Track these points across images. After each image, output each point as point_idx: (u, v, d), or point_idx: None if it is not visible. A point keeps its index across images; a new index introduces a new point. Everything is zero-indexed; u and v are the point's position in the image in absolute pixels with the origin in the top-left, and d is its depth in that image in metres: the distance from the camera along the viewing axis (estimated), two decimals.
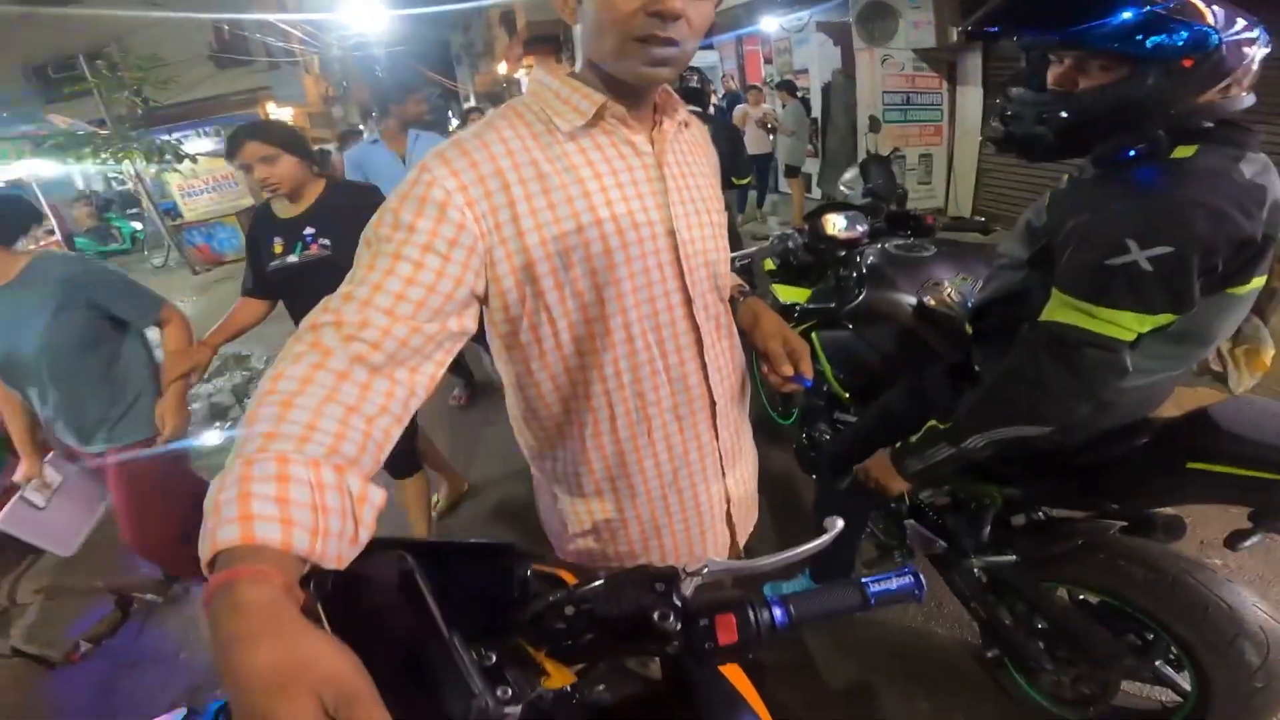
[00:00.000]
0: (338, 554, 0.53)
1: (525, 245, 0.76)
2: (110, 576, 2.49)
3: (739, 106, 6.42)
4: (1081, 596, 1.35)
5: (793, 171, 6.40)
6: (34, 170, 8.74)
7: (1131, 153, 0.99)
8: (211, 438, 3.56)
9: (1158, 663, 1.26)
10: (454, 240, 0.71)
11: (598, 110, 0.77)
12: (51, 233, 10.18)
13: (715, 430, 0.95)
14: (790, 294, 2.02)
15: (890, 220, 2.03)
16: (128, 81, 8.98)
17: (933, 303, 1.58)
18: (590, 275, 0.80)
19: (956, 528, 1.43)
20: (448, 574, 0.58)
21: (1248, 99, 0.96)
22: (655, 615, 0.56)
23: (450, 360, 0.76)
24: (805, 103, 6.58)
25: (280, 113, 14.71)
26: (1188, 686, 1.23)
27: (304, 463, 0.53)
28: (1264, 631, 1.09)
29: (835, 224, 1.95)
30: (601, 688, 0.75)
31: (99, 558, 2.38)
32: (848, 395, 1.74)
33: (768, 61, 8.02)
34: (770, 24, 6.96)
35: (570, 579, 0.72)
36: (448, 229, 0.71)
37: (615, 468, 0.92)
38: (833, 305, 1.81)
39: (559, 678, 0.63)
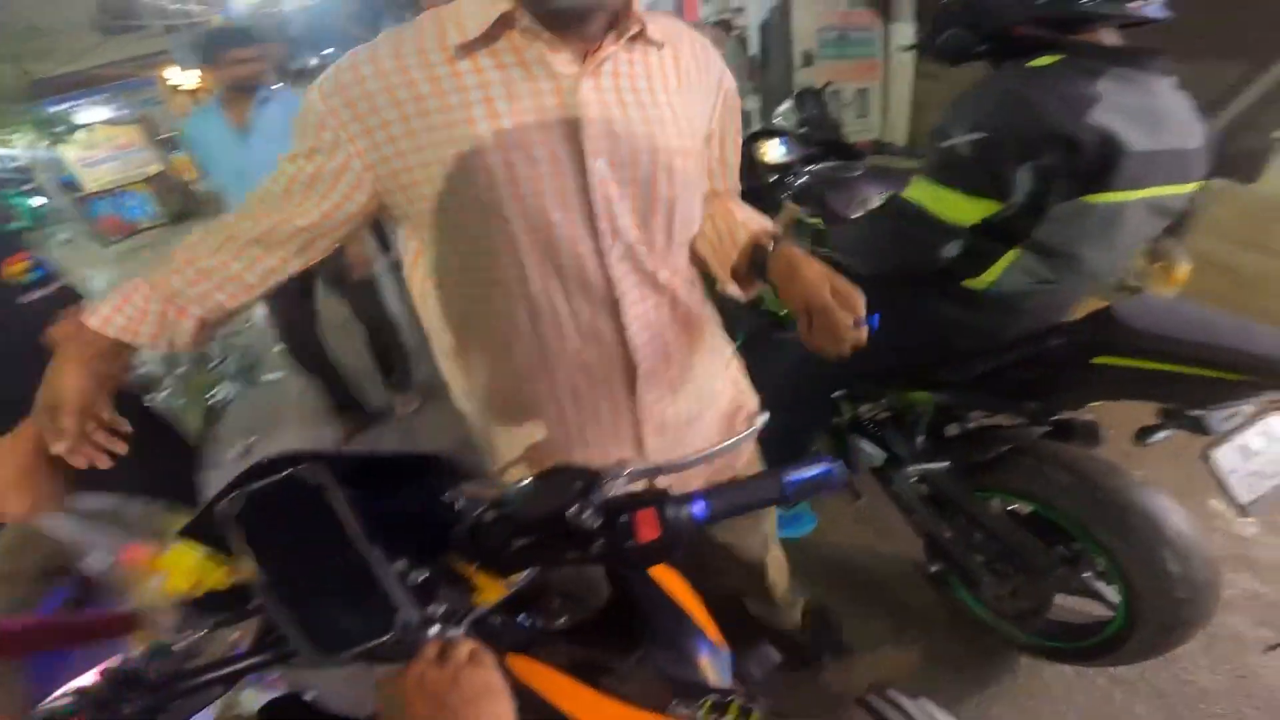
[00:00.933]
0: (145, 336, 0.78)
1: (396, 171, 0.73)
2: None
3: None
4: (1013, 508, 1.40)
5: None
6: None
7: (977, 51, 1.17)
8: None
9: (1086, 574, 1.30)
10: (323, 161, 0.74)
11: (500, 18, 0.68)
12: None
13: (634, 395, 0.89)
14: None
15: (822, 147, 2.03)
16: (4, 55, 8.26)
17: (860, 214, 1.60)
18: (476, 211, 0.74)
19: (894, 438, 1.48)
20: (377, 489, 0.58)
21: (1141, 8, 1.02)
22: (573, 511, 0.55)
23: (325, 254, 0.82)
24: (742, 40, 6.48)
25: (186, 77, 13.63)
26: (1116, 600, 1.26)
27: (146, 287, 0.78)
28: (1182, 538, 1.10)
29: (770, 149, 1.94)
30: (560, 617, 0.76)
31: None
32: (784, 313, 1.75)
33: (705, 0, 7.84)
34: None
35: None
36: (320, 149, 0.73)
37: (520, 409, 0.90)
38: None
39: (491, 591, 0.64)
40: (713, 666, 0.75)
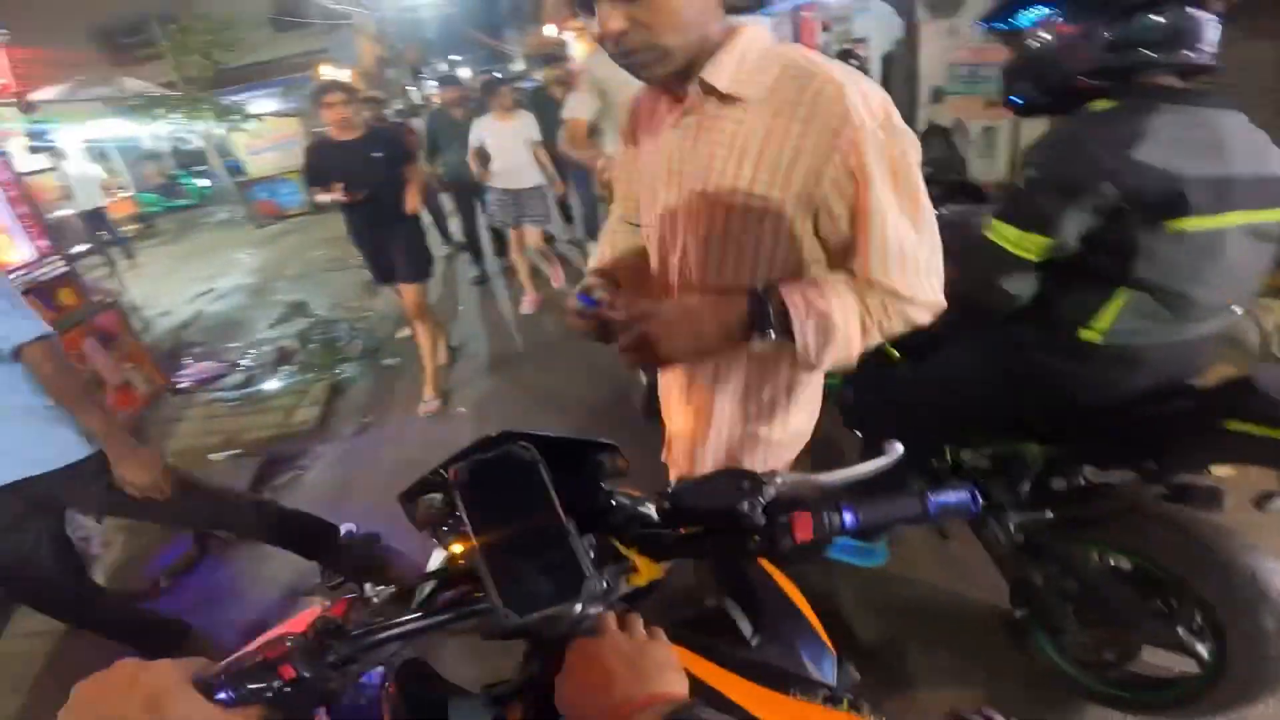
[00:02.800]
0: None
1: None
2: None
3: None
4: (1113, 561, 1.39)
5: None
6: (109, 131, 9.21)
7: (1021, 101, 1.29)
8: (273, 383, 3.82)
9: (1181, 629, 1.28)
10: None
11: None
12: (125, 189, 10.73)
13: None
14: None
15: (949, 188, 2.05)
16: (197, 45, 9.30)
17: None
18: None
19: (995, 486, 1.50)
20: (559, 466, 0.65)
21: (1193, 57, 1.09)
22: (744, 506, 0.61)
23: None
24: (864, 72, 6.37)
25: (338, 73, 15.00)
26: (1206, 656, 1.25)
27: None
28: None
29: None
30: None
31: None
32: (898, 354, 1.80)
33: (825, 29, 7.78)
34: None
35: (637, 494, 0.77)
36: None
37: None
38: None
39: (648, 573, 0.70)
40: (822, 665, 0.77)
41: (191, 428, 3.39)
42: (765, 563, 0.89)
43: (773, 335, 0.84)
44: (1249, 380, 1.11)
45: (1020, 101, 1.30)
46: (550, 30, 18.00)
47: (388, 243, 3.04)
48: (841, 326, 0.84)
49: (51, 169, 5.14)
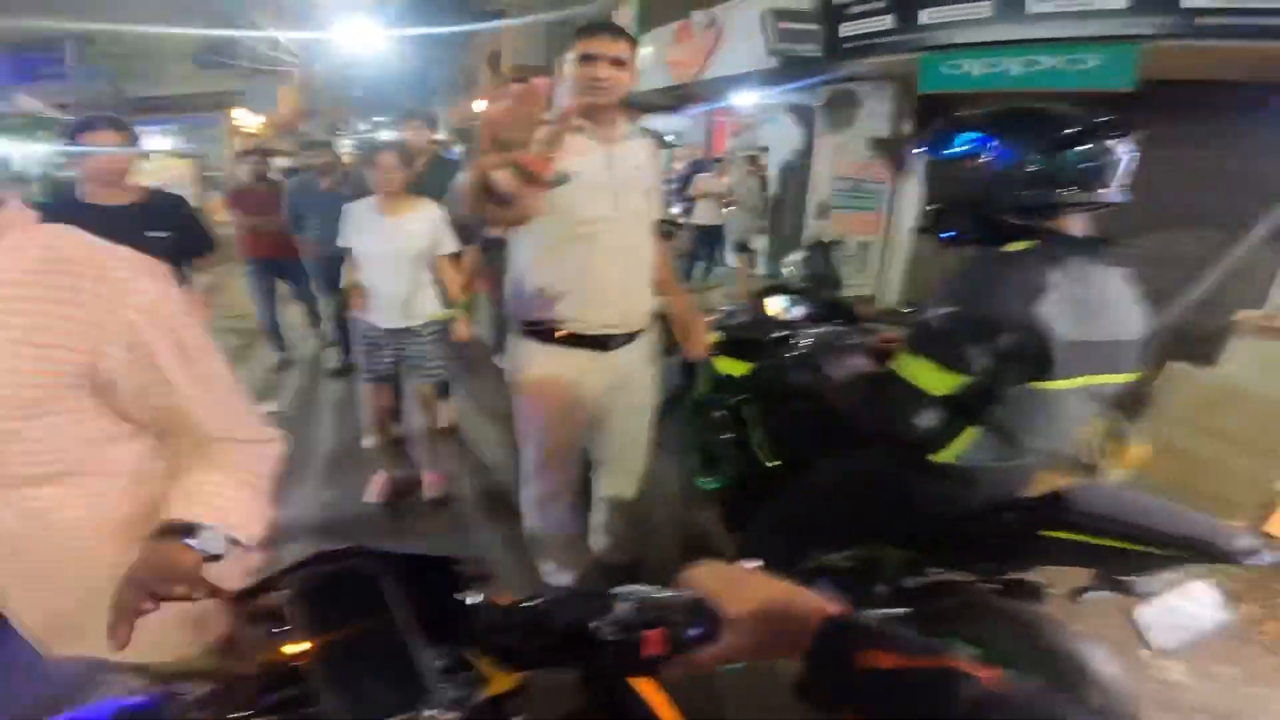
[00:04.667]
0: None
1: None
2: None
3: (699, 175, 6.65)
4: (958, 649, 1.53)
5: (742, 247, 6.54)
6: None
7: (948, 235, 1.33)
8: None
9: None
10: None
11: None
12: None
13: None
14: (731, 366, 2.18)
15: (828, 307, 2.25)
16: (105, 70, 8.73)
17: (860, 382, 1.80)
18: None
19: (857, 586, 1.60)
20: (405, 579, 0.67)
21: (1106, 195, 1.16)
22: (593, 625, 0.64)
23: None
24: (763, 180, 6.85)
25: (252, 120, 14.48)
26: None
27: None
28: (1105, 678, 1.26)
29: (780, 307, 2.16)
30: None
31: None
32: (777, 464, 1.92)
33: (733, 135, 8.45)
34: (748, 99, 7.31)
35: (506, 600, 0.78)
36: None
37: None
38: (771, 378, 1.99)
39: (500, 683, 0.71)
40: None
41: None
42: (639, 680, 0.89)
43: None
44: (1061, 495, 1.28)
45: (951, 235, 1.34)
46: (480, 105, 18.42)
47: None
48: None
49: None
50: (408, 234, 2.44)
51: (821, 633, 0.53)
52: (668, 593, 0.74)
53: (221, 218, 10.89)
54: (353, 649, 0.61)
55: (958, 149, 1.27)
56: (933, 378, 1.20)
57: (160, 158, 9.51)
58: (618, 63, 1.53)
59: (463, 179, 1.31)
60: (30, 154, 9.21)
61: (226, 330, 5.38)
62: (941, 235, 1.36)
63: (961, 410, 1.27)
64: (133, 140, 1.98)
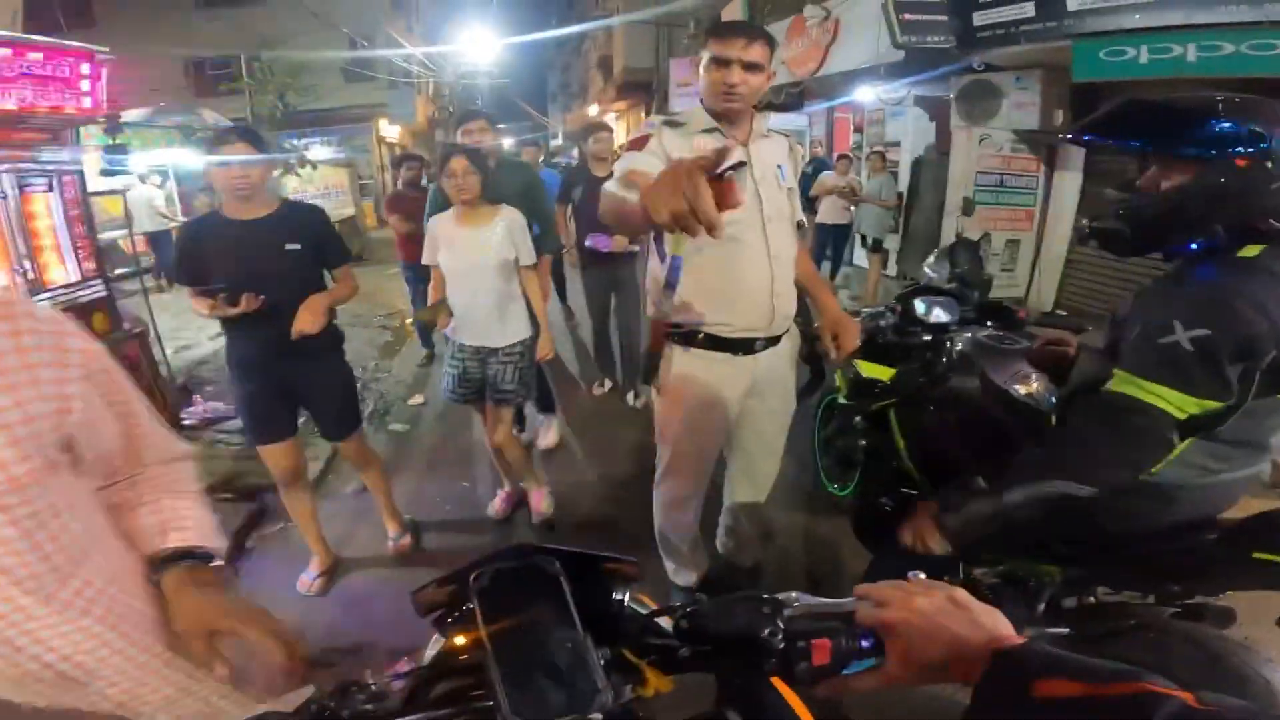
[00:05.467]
0: None
1: None
2: None
3: (824, 173, 6.35)
4: None
5: (876, 245, 6.18)
6: (176, 159, 9.65)
7: (1194, 245, 1.11)
8: None
9: None
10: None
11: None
12: (174, 218, 11.19)
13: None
14: (874, 370, 2.07)
15: (981, 310, 2.06)
16: (275, 86, 9.77)
17: (1022, 391, 1.61)
18: None
19: (1009, 603, 1.44)
20: (575, 578, 0.67)
21: None
22: (765, 633, 0.63)
23: None
24: (894, 176, 6.53)
25: (390, 130, 15.88)
26: None
27: None
28: None
29: (930, 309, 2.00)
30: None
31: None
32: (919, 474, 1.77)
33: (857, 130, 8.09)
34: (867, 94, 7.05)
35: (652, 604, 0.78)
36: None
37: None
38: (919, 384, 1.86)
39: (656, 684, 0.69)
40: None
41: None
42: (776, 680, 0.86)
43: None
44: (1275, 515, 1.15)
45: (1191, 248, 1.12)
46: (593, 110, 19.16)
47: (296, 381, 2.11)
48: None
49: (121, 191, 5.33)
50: (489, 245, 2.27)
51: (994, 664, 0.51)
52: (838, 603, 0.72)
53: (372, 222, 11.86)
54: (529, 645, 0.62)
55: (1207, 141, 1.06)
56: (1181, 403, 1.06)
57: (324, 167, 10.45)
58: (753, 67, 1.45)
59: (613, 200, 1.29)
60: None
61: (381, 327, 5.93)
62: (1170, 249, 1.17)
63: (1190, 426, 1.11)
64: (264, 152, 1.99)
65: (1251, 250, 1.05)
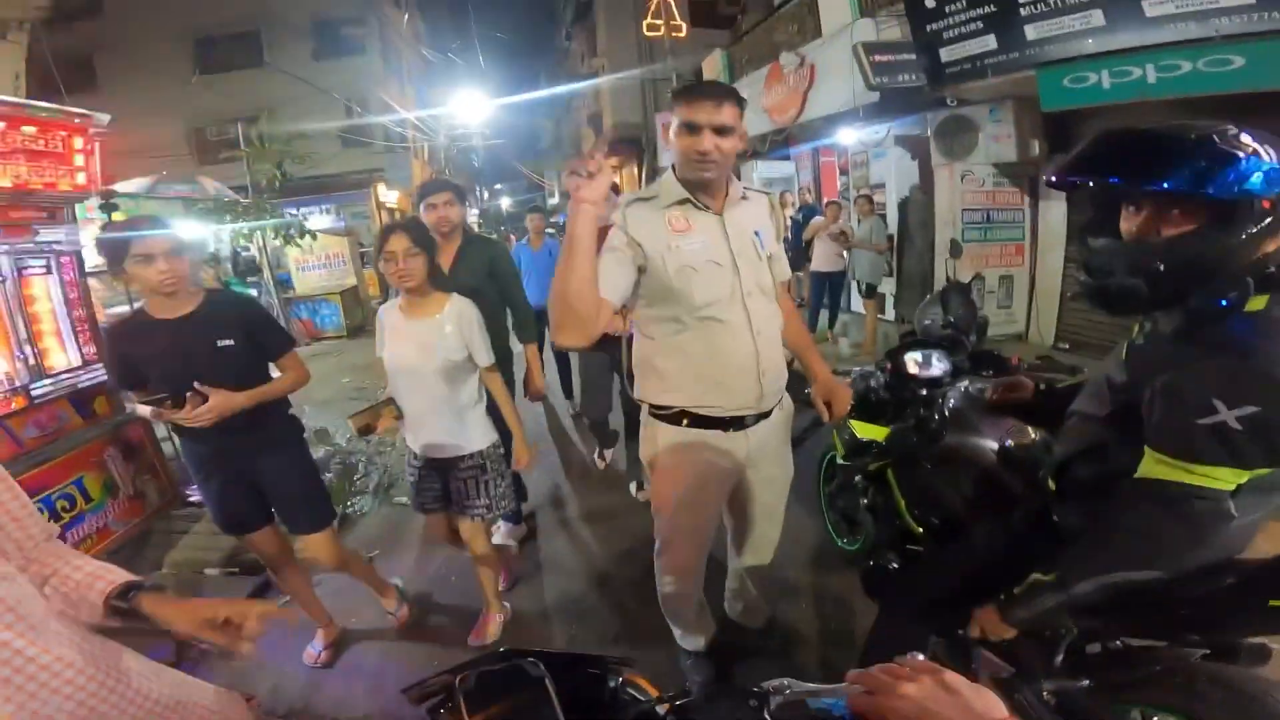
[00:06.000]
0: None
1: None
2: None
3: (815, 219, 6.38)
4: (1155, 718, 1.29)
5: (870, 291, 6.07)
6: (182, 231, 9.70)
7: (1224, 302, 0.99)
8: None
9: None
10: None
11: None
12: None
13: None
14: (869, 431, 2.05)
15: (973, 359, 2.04)
16: (273, 154, 9.96)
17: (1014, 447, 1.58)
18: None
19: (1026, 654, 1.39)
20: (559, 676, 0.68)
21: None
22: None
23: None
24: (883, 219, 6.52)
25: (389, 195, 16.27)
26: None
27: None
28: None
29: (917, 363, 1.98)
30: None
31: None
32: (921, 531, 1.73)
33: (843, 173, 8.24)
34: (848, 136, 7.19)
35: (653, 691, 0.80)
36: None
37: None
38: (913, 442, 1.83)
39: None
40: None
41: (194, 541, 3.31)
42: None
43: None
44: None
45: (1221, 304, 0.99)
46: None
47: (257, 477, 1.98)
48: None
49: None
50: (432, 343, 1.92)
51: None
52: (830, 689, 0.71)
53: (375, 291, 11.83)
54: None
55: (1229, 181, 0.93)
56: (1233, 476, 0.99)
57: (324, 236, 10.25)
58: (724, 130, 1.37)
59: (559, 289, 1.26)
60: (222, 236, 10.68)
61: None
62: (1205, 306, 1.01)
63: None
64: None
65: (1259, 302, 0.96)
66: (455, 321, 1.95)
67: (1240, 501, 1.02)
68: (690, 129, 1.38)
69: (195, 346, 1.79)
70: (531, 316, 2.80)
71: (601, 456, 3.94)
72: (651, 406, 1.62)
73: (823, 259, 6.13)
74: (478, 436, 2.06)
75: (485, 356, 2.02)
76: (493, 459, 2.10)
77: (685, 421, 1.56)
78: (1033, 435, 1.59)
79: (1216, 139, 0.96)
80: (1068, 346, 5.42)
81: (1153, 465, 1.04)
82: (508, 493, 2.19)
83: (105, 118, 3.17)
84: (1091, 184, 1.13)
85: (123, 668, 0.93)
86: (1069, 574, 1.17)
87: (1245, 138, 0.97)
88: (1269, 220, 0.95)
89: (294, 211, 10.07)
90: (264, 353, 1.92)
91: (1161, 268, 1.00)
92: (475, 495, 2.07)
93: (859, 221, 6.16)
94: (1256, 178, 0.92)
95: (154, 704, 0.94)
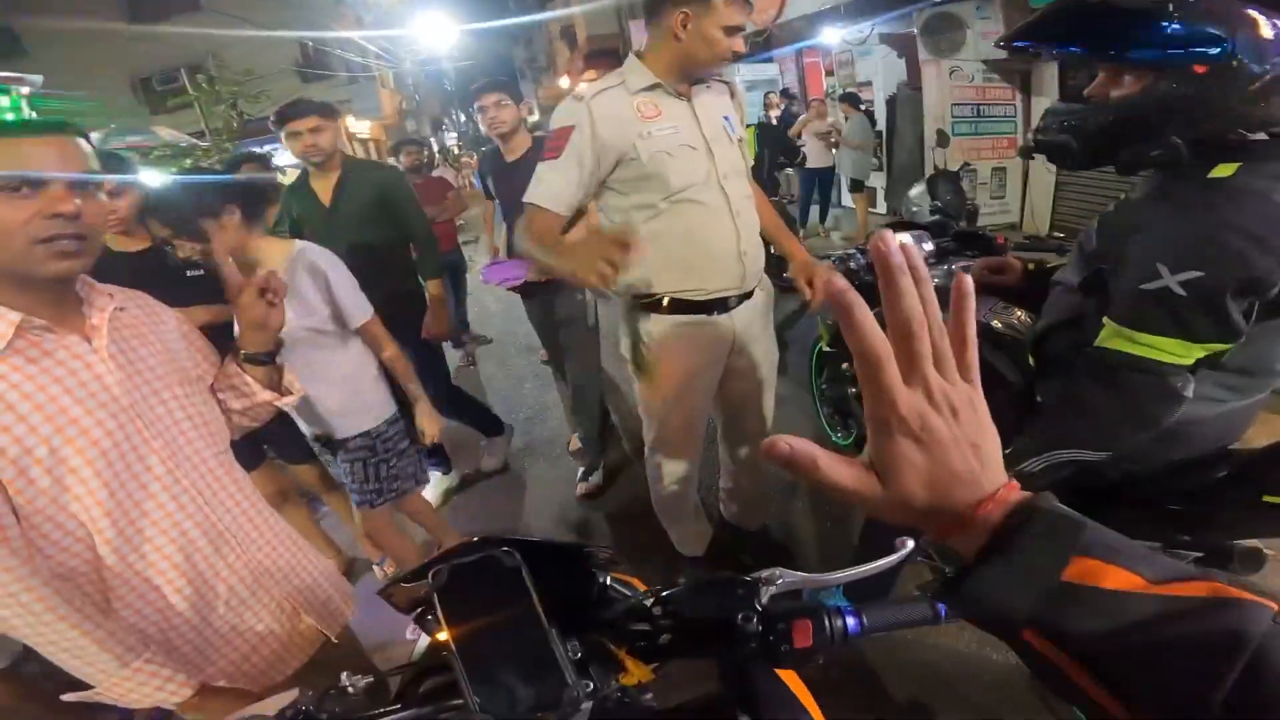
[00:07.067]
0: None
1: None
2: None
3: (801, 117, 6.29)
4: None
5: (858, 186, 6.19)
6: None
7: (1154, 154, 0.97)
8: None
9: None
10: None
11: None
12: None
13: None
14: None
15: (958, 239, 2.00)
16: (224, 95, 9.53)
17: (1000, 326, 1.56)
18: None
19: None
20: (542, 570, 0.64)
21: None
22: (739, 618, 0.61)
23: None
24: (870, 116, 6.39)
25: (359, 125, 15.54)
26: None
27: None
28: None
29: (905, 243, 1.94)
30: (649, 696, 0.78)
31: None
32: None
33: (829, 74, 7.92)
34: (832, 36, 6.87)
35: (640, 586, 0.78)
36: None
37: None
38: None
39: (637, 674, 0.68)
40: None
41: None
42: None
43: None
44: None
45: (1085, 154, 1.03)
46: (564, 83, 18.72)
47: None
48: None
49: None
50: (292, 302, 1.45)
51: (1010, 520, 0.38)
52: (824, 578, 0.69)
53: None
54: (494, 641, 0.61)
55: (1157, 45, 0.92)
56: (1180, 348, 0.95)
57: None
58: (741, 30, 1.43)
59: (529, 257, 1.43)
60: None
61: None
62: (1072, 155, 1.05)
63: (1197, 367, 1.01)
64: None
65: (1225, 170, 0.93)
66: (302, 277, 1.54)
67: (1212, 382, 1.00)
68: (730, 32, 1.39)
69: (162, 283, 1.61)
70: (435, 247, 2.51)
71: (584, 480, 2.81)
72: (632, 299, 1.59)
73: (812, 156, 6.13)
74: (365, 414, 1.73)
75: (358, 312, 1.65)
76: (383, 438, 1.78)
77: (667, 304, 1.54)
78: (1019, 314, 1.57)
79: (1153, 5, 0.93)
80: (1063, 236, 5.42)
81: (1106, 335, 1.01)
82: (406, 473, 1.87)
83: (37, 79, 3.13)
84: (1027, 47, 1.12)
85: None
86: (1017, 447, 1.13)
87: (1189, 3, 0.91)
88: (1206, 85, 0.91)
89: (258, 149, 9.69)
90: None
91: (1086, 124, 1.03)
92: (359, 478, 1.76)
93: (846, 119, 6.04)
94: (1177, 41, 0.91)
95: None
